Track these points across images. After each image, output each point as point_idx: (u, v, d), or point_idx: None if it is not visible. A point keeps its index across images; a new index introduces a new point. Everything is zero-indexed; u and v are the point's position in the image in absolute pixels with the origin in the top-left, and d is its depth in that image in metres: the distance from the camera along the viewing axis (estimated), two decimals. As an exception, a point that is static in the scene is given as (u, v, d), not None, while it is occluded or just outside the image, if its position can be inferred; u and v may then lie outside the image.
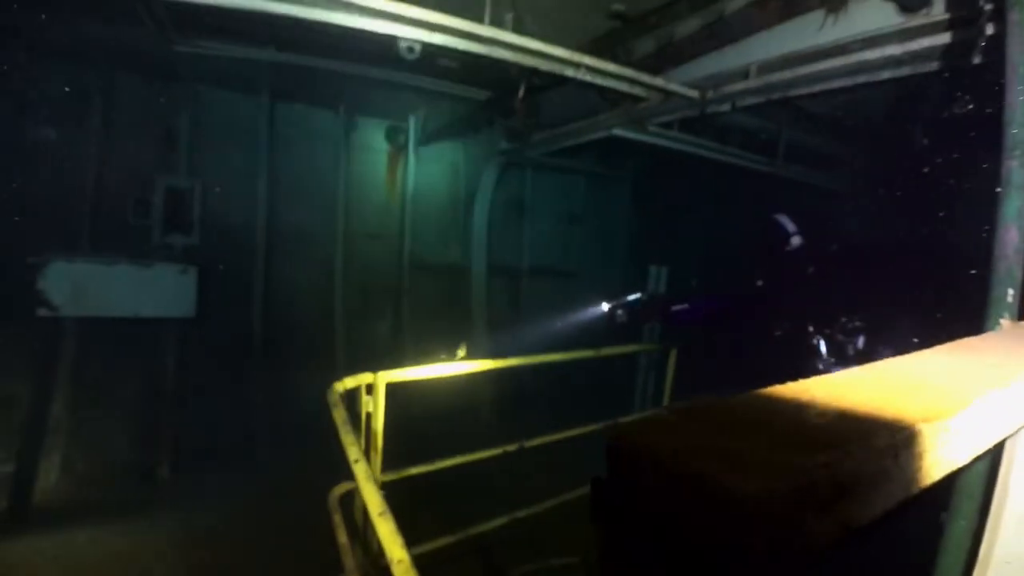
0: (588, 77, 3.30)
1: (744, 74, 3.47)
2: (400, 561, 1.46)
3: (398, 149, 7.05)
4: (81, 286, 4.92)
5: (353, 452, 2.31)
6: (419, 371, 3.42)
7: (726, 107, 3.79)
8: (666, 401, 5.13)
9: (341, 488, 3.19)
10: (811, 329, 3.23)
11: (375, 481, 2.04)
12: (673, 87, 3.52)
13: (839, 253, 3.54)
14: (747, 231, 4.93)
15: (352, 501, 3.22)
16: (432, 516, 4.31)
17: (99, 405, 5.40)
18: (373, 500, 1.79)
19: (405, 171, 7.09)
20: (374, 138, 7.00)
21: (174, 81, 5.85)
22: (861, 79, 3.17)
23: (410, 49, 3.88)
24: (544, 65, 3.17)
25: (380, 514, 1.69)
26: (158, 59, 5.18)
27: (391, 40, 3.87)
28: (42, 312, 4.74)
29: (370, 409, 3.16)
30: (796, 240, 3.47)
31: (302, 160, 6.59)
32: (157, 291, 5.39)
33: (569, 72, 3.25)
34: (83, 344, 5.29)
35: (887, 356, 0.87)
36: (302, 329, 6.56)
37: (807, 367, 3.19)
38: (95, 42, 5.05)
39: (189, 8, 3.95)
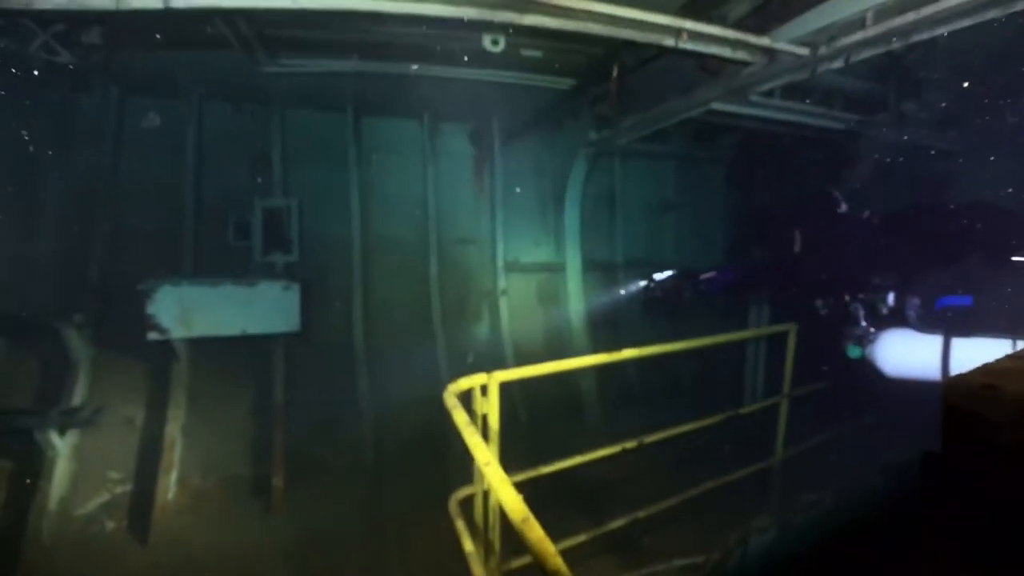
0: (690, 45, 3.09)
1: (860, 23, 3.15)
2: (556, 571, 1.33)
3: (483, 152, 7.02)
4: (189, 308, 5.11)
5: (483, 455, 2.22)
6: (530, 369, 3.30)
7: (839, 63, 3.46)
8: (786, 388, 4.78)
9: (461, 492, 3.11)
10: (847, 297, 3.23)
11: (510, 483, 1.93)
12: (781, 46, 3.24)
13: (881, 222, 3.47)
14: (798, 201, 4.57)
15: (471, 506, 3.14)
16: (552, 516, 4.20)
17: (212, 422, 5.58)
18: (514, 504, 1.68)
19: (491, 173, 7.04)
20: (458, 143, 7.01)
21: (263, 105, 6.10)
22: (991, 13, 2.79)
23: (494, 41, 3.82)
24: (641, 36, 2.98)
25: (524, 520, 1.58)
26: (246, 84, 5.40)
27: (474, 38, 3.84)
28: (153, 336, 4.96)
29: (486, 410, 3.07)
30: (843, 208, 3.51)
31: (390, 172, 6.69)
32: (262, 308, 5.53)
33: (668, 41, 3.05)
34: (194, 364, 5.51)
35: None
36: (402, 337, 6.60)
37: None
38: (184, 72, 5.30)
39: (273, 21, 4.10)
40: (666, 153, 7.47)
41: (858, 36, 3.14)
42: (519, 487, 3.18)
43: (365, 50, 4.70)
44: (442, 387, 6.33)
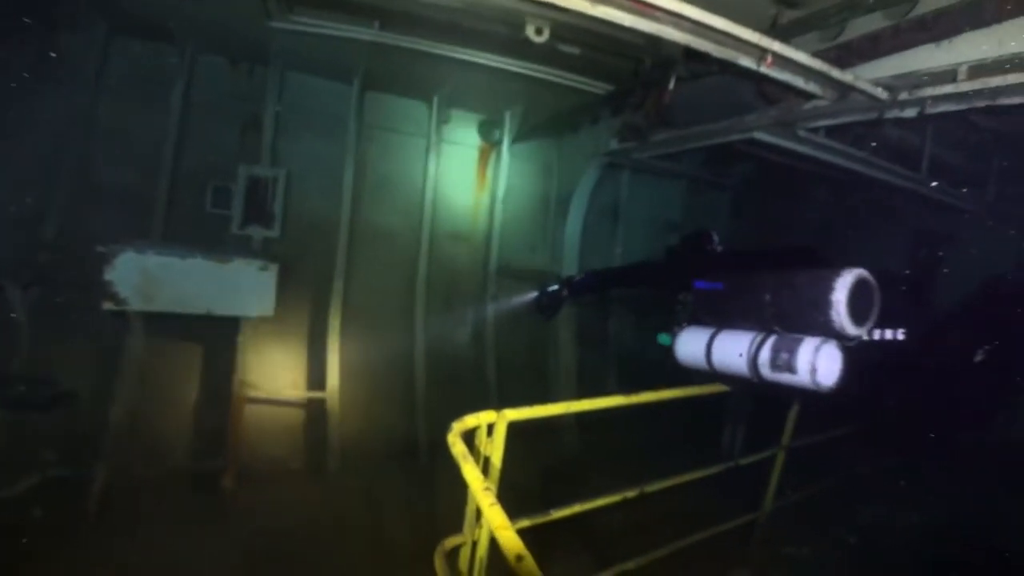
0: (772, 70, 2.75)
1: (952, 75, 2.85)
2: None
3: (491, 146, 6.60)
4: (152, 279, 4.51)
5: (487, 499, 1.88)
6: (542, 409, 2.92)
7: (911, 111, 3.17)
8: (785, 440, 4.51)
9: (449, 543, 2.72)
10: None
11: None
12: (862, 85, 2.92)
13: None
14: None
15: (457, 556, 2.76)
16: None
17: (163, 407, 5.14)
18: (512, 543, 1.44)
19: (496, 169, 6.64)
20: (466, 133, 6.58)
21: (262, 64, 5.58)
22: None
23: (538, 31, 3.40)
24: (720, 51, 2.62)
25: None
26: (248, 37, 4.91)
27: (513, 23, 3.42)
28: (108, 306, 4.34)
29: (489, 451, 2.69)
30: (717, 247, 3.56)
31: (390, 153, 6.24)
32: (234, 288, 5.01)
33: (748, 61, 2.69)
34: (150, 341, 4.91)
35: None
36: (380, 333, 6.17)
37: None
38: (183, 19, 4.77)
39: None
40: (676, 172, 7.15)
41: (948, 89, 2.84)
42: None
43: (387, 18, 4.27)
44: (418, 390, 6.10)
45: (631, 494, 3.49)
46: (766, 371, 2.56)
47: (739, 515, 4.26)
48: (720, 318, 2.95)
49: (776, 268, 2.71)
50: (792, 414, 4.44)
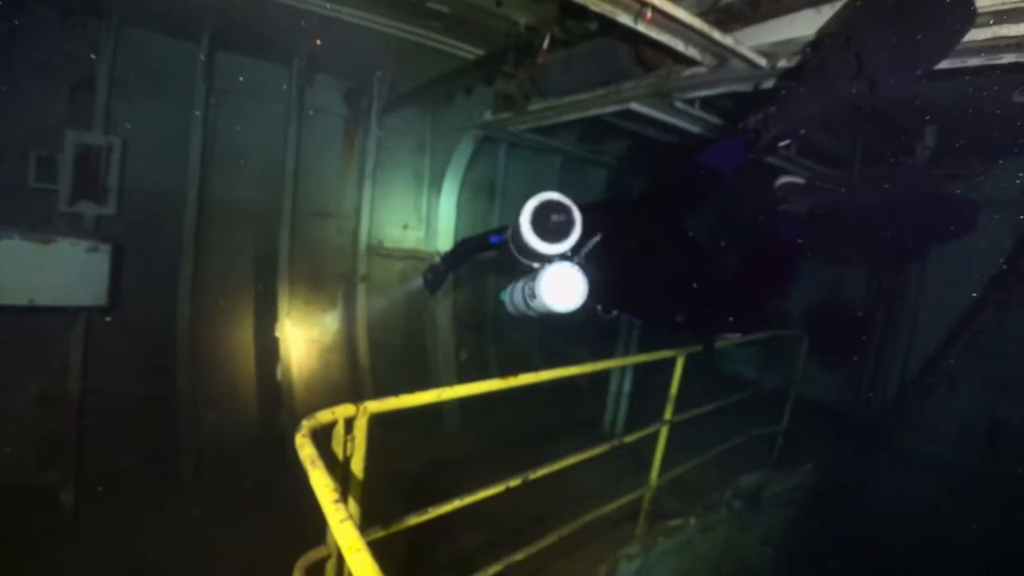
0: (651, 29, 2.57)
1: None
2: None
3: (358, 115, 6.11)
4: (-40, 264, 3.85)
5: (338, 513, 1.55)
6: (412, 399, 2.62)
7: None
8: (668, 415, 4.48)
9: (311, 556, 2.37)
10: None
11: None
12: (743, 50, 2.81)
13: None
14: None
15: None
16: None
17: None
18: None
19: (364, 142, 6.15)
20: (331, 101, 6.05)
21: (96, 17, 4.79)
22: (972, 62, 2.53)
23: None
24: (596, 4, 2.40)
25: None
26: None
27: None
28: None
29: (350, 452, 2.36)
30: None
31: (244, 122, 5.60)
32: (59, 273, 4.39)
33: (626, 18, 2.50)
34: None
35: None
36: (239, 319, 5.60)
37: None
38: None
39: None
40: (553, 148, 6.99)
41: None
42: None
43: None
44: (284, 385, 5.59)
45: (514, 483, 3.28)
46: (534, 304, 2.67)
47: (626, 493, 4.20)
48: (511, 266, 3.00)
49: None
50: (673, 388, 4.42)
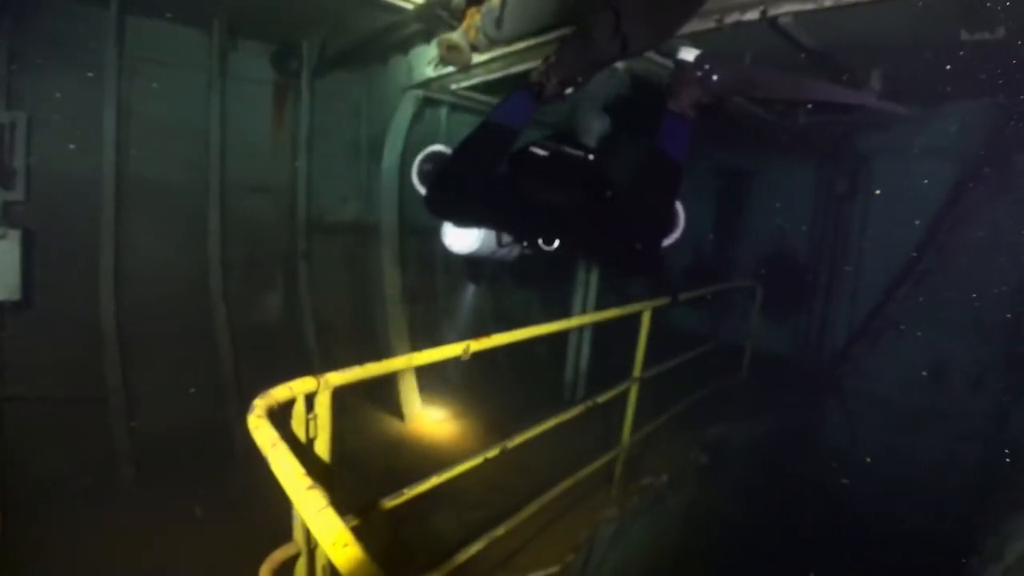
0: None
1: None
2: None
3: (288, 80, 5.69)
4: None
5: (312, 502, 1.29)
6: (376, 367, 2.37)
7: (752, 15, 3.01)
8: (637, 371, 4.36)
9: (278, 555, 2.11)
10: None
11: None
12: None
13: None
14: None
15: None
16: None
17: None
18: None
19: (296, 108, 5.77)
20: (257, 66, 5.61)
21: (-10, -22, 4.25)
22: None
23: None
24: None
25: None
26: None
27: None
28: None
29: (313, 433, 2.10)
30: None
31: (162, 93, 5.11)
32: (-37, 267, 3.93)
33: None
34: None
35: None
36: (169, 311, 5.16)
37: None
38: None
39: None
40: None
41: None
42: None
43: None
44: (225, 370, 5.22)
45: (492, 453, 3.09)
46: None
47: (599, 456, 4.10)
48: None
49: None
50: (641, 341, 4.31)
